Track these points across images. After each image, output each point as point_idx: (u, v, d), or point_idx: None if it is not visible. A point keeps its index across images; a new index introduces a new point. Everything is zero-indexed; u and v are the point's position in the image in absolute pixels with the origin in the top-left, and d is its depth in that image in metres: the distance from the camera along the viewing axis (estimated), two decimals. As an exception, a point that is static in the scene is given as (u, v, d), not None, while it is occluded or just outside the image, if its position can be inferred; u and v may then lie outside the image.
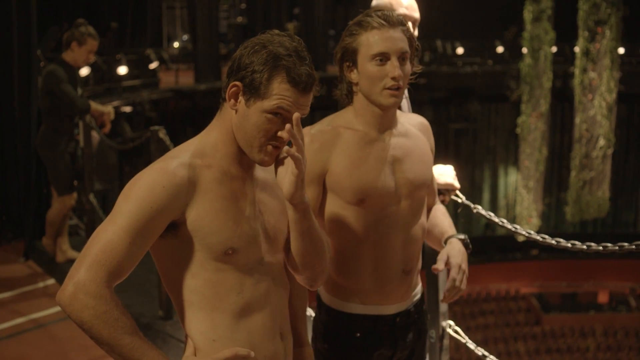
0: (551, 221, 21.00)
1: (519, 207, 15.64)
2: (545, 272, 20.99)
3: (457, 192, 2.88)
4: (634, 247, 2.44)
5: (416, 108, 3.01)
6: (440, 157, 2.62)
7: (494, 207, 21.43)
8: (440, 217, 2.46)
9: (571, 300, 20.97)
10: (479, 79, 20.37)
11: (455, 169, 2.86)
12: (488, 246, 21.17)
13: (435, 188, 2.49)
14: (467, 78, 20.48)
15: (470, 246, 2.31)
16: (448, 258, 2.24)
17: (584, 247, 2.56)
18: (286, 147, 1.67)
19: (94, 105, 5.83)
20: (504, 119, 21.01)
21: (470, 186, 21.30)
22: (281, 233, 1.84)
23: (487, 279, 20.85)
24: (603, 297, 21.15)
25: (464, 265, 2.24)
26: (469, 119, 21.47)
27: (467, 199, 2.97)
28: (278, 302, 1.82)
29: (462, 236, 2.33)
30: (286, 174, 1.70)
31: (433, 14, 21.53)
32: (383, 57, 2.09)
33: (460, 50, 21.64)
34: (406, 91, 2.86)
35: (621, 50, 14.82)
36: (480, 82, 20.38)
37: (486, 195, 21.98)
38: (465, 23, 23.78)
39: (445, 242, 2.33)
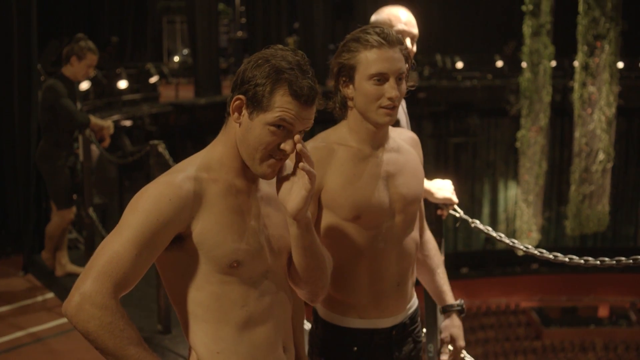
0: (551, 235, 20.99)
1: (519, 221, 15.63)
2: (546, 286, 20.96)
3: (455, 206, 2.89)
4: (631, 261, 2.44)
5: (416, 122, 3.03)
6: (440, 171, 2.64)
7: (493, 221, 21.42)
8: (436, 260, 2.54)
9: (571, 314, 20.92)
10: (478, 93, 20.42)
11: (455, 183, 2.88)
12: (488, 260, 21.17)
13: (423, 208, 2.49)
14: (467, 92, 20.53)
15: (465, 309, 2.54)
16: (452, 339, 2.49)
17: (582, 261, 2.56)
18: (301, 164, 1.69)
19: (94, 120, 5.85)
20: (503, 133, 21.03)
21: (470, 200, 21.30)
22: (285, 246, 1.85)
23: (487, 293, 20.82)
24: (603, 312, 21.10)
25: (464, 343, 2.53)
26: (469, 133, 21.51)
27: (466, 212, 2.98)
28: (281, 315, 1.84)
29: (458, 303, 2.53)
30: (291, 190, 1.72)
31: (433, 28, 21.66)
32: (381, 77, 2.09)
33: (459, 65, 21.72)
34: (404, 105, 2.87)
35: (620, 65, 14.85)
36: (480, 96, 20.43)
37: (486, 209, 21.97)
38: (464, 37, 23.89)
39: (443, 311, 2.53)
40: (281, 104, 1.67)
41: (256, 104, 1.69)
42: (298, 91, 1.68)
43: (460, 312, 2.53)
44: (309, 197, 1.71)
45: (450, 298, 2.53)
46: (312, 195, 1.72)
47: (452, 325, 2.51)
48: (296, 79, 1.68)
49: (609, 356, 19.41)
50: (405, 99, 2.37)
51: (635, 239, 22.23)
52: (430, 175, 2.78)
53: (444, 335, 2.50)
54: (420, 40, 2.99)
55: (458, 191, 2.86)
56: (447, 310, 2.53)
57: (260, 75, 1.68)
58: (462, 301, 2.54)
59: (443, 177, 2.87)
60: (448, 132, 21.44)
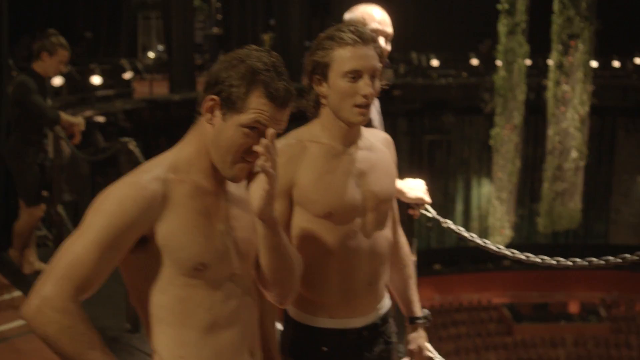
0: (524, 232, 21.15)
1: (492, 218, 15.74)
2: (517, 283, 21.14)
3: (428, 206, 2.88)
4: (603, 262, 2.46)
5: (391, 120, 3.02)
6: (414, 168, 2.63)
7: (467, 219, 21.55)
8: (408, 270, 2.54)
9: (542, 310, 21.12)
10: (453, 91, 20.53)
11: (429, 181, 2.87)
12: (461, 257, 21.28)
13: (397, 210, 2.48)
14: (442, 90, 20.63)
15: (431, 318, 2.60)
16: (419, 350, 2.56)
17: (554, 262, 2.58)
18: (260, 162, 1.66)
19: (64, 116, 5.77)
20: (477, 131, 21.15)
21: (444, 197, 21.42)
22: (253, 249, 1.82)
23: (460, 289, 20.96)
24: (574, 307, 21.34)
25: (428, 353, 2.65)
26: (443, 131, 21.62)
27: (440, 210, 2.98)
28: (248, 319, 1.81)
29: (425, 315, 2.57)
30: (257, 189, 1.70)
31: (408, 26, 21.71)
32: (355, 75, 2.08)
33: (435, 63, 21.79)
34: (378, 105, 2.86)
35: (594, 64, 15.00)
36: (455, 94, 20.54)
37: (459, 207, 22.10)
38: (440, 36, 24.00)
39: (411, 322, 2.57)
40: (256, 105, 1.65)
41: (230, 105, 1.66)
42: (274, 93, 1.66)
43: (425, 325, 2.57)
44: (268, 197, 1.69)
45: (418, 309, 2.55)
46: (273, 195, 1.70)
47: (419, 337, 2.55)
48: (272, 81, 1.66)
49: (579, 352, 19.63)
50: (380, 97, 2.37)
51: (606, 236, 22.49)
52: (404, 173, 2.77)
53: (413, 347, 2.55)
54: (395, 38, 2.97)
55: (432, 188, 2.86)
56: (415, 321, 2.55)
57: (235, 76, 1.66)
58: (429, 312, 2.58)
59: (417, 175, 2.87)
60: (423, 130, 21.53)
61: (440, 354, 3.08)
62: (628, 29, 21.27)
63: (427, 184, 2.86)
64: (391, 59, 2.38)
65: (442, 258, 21.26)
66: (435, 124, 21.57)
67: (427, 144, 21.73)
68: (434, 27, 24.42)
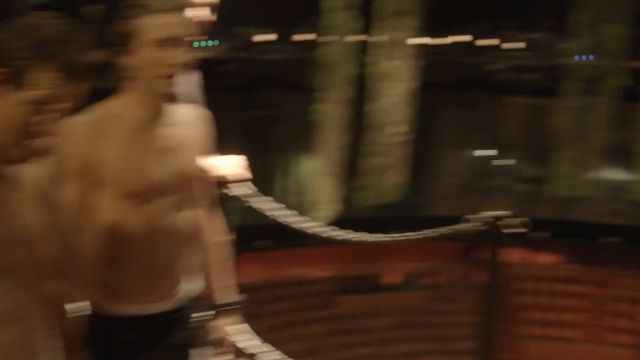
0: (349, 206, 21.72)
1: (318, 193, 16.01)
2: (340, 256, 21.60)
3: (233, 184, 2.79)
4: (420, 236, 2.58)
5: (217, 95, 2.96)
6: (241, 144, 2.59)
7: (294, 194, 21.83)
8: (217, 254, 2.42)
9: (365, 282, 21.79)
10: (281, 67, 20.65)
11: (255, 157, 2.83)
12: (283, 232, 21.46)
13: (212, 191, 2.41)
14: (270, 66, 20.70)
15: (245, 300, 2.47)
16: (221, 339, 2.41)
17: (374, 239, 2.66)
18: (45, 141, 1.51)
19: None
20: (305, 106, 21.44)
21: (270, 174, 21.57)
22: (37, 237, 1.63)
23: (283, 264, 21.17)
24: (395, 278, 22.17)
25: (234, 340, 2.50)
26: (270, 106, 21.76)
27: (266, 186, 2.97)
28: (33, 314, 1.63)
29: (233, 302, 2.44)
30: (36, 170, 1.57)
31: (237, 1, 21.55)
32: (163, 43, 1.98)
33: (263, 38, 21.85)
34: (200, 78, 2.78)
35: (424, 41, 15.53)
36: (283, 70, 20.67)
37: (286, 183, 22.35)
38: (269, 11, 24.07)
39: (214, 309, 2.41)
40: (45, 80, 1.48)
41: (14, 80, 1.47)
42: (66, 66, 1.49)
43: (228, 311, 2.44)
44: (54, 179, 1.57)
45: (220, 296, 2.42)
46: (59, 177, 1.59)
47: (221, 324, 2.41)
48: (64, 53, 1.49)
49: (400, 320, 20.43)
50: (205, 72, 2.30)
51: (427, 208, 23.54)
52: (231, 149, 2.72)
53: (217, 336, 2.41)
54: (224, 13, 2.92)
55: (258, 165, 2.83)
56: (219, 309, 2.41)
57: (21, 48, 1.47)
58: (238, 298, 2.45)
59: (244, 151, 2.82)
60: (250, 106, 21.55)
61: (262, 330, 3.10)
62: (457, 8, 22.22)
63: (253, 161, 2.81)
64: (219, 34, 2.31)
65: (268, 234, 21.39)
66: (262, 99, 21.66)
67: (254, 120, 21.79)
68: (263, 2, 24.47)
